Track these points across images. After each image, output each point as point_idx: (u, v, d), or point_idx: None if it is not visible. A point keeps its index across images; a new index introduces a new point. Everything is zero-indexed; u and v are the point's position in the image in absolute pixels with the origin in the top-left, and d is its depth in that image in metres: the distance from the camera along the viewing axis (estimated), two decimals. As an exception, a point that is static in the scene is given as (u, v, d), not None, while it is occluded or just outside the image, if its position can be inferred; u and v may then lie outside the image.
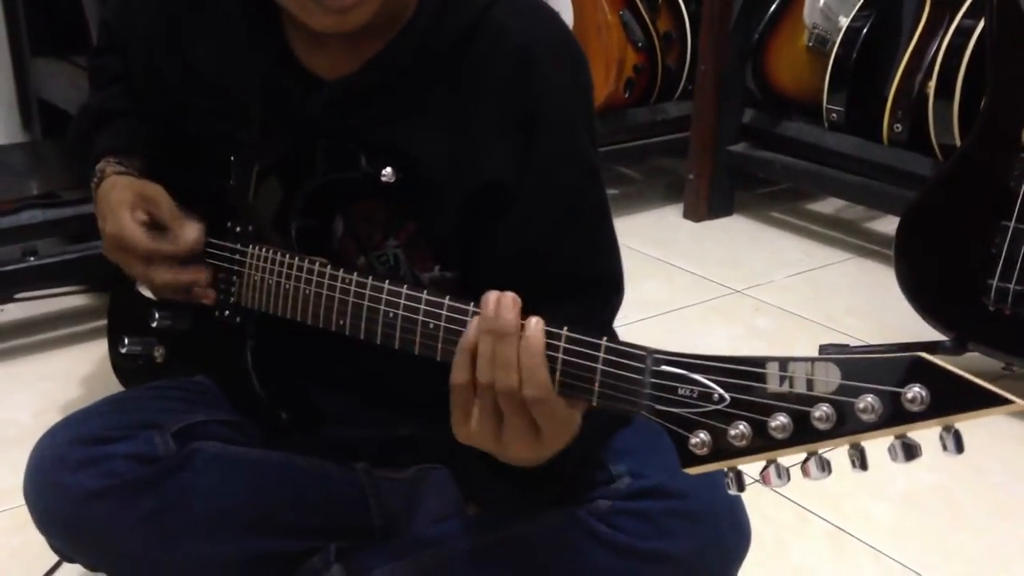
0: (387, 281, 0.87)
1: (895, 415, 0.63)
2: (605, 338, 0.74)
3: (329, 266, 0.92)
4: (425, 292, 0.84)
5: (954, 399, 0.60)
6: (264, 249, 0.97)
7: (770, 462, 0.69)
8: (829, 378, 0.65)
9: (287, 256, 0.95)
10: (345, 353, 0.94)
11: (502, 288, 0.79)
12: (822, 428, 0.65)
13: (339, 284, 0.90)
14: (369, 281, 0.89)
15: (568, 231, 0.95)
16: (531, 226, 0.94)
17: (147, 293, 1.07)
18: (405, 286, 0.86)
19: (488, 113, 0.93)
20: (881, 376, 0.63)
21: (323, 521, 1.01)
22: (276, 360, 1.02)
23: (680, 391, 0.70)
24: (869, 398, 0.64)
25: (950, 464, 1.39)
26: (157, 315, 1.08)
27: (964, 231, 1.56)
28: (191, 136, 1.05)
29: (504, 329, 0.73)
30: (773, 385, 0.67)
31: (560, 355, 0.75)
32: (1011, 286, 1.50)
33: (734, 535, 0.94)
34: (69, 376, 1.67)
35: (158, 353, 1.12)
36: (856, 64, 2.15)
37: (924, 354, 0.62)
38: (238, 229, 1.01)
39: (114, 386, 1.19)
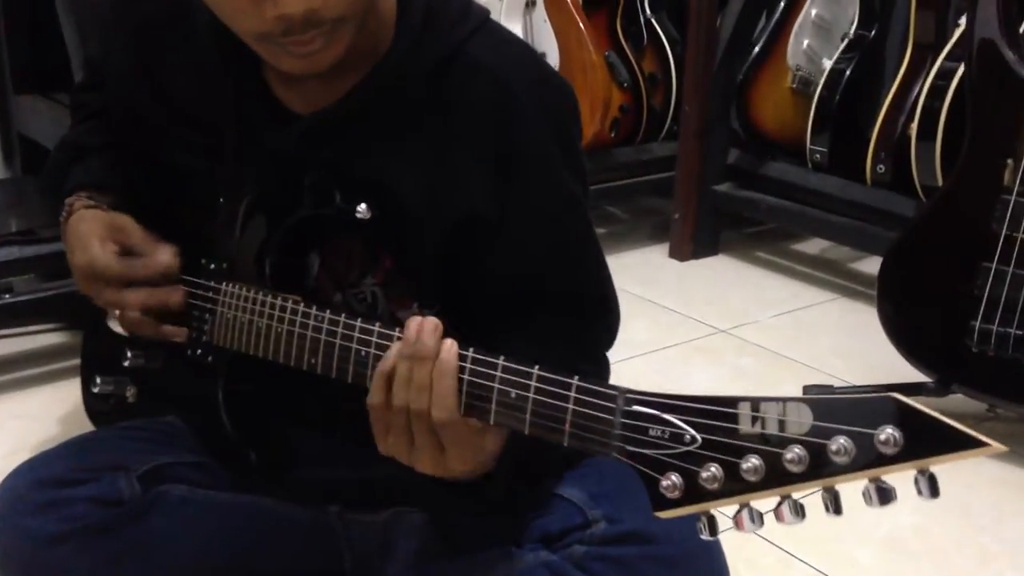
0: (359, 319, 0.86)
1: (868, 458, 0.62)
2: (576, 377, 0.73)
3: (302, 303, 0.91)
4: (398, 330, 0.83)
5: (928, 441, 0.59)
6: (238, 287, 0.96)
7: (743, 505, 0.67)
8: (801, 419, 0.64)
9: (260, 293, 0.94)
10: (319, 392, 0.93)
11: (490, 324, 0.82)
12: (794, 471, 0.64)
13: (311, 322, 0.89)
14: (341, 319, 0.88)
15: (553, 262, 0.95)
16: (514, 259, 0.94)
17: (118, 329, 1.04)
18: (378, 324, 0.85)
19: (466, 147, 0.92)
20: (854, 417, 0.62)
21: (291, 565, 1.00)
22: (248, 399, 1.01)
23: (651, 431, 0.69)
24: (841, 440, 0.62)
25: (934, 507, 1.38)
26: (129, 353, 1.07)
27: (946, 272, 1.55)
28: (167, 172, 1.04)
29: (421, 353, 0.78)
30: (745, 426, 0.66)
31: (532, 395, 0.75)
32: (994, 328, 1.49)
33: (712, 580, 0.92)
34: (43, 415, 1.64)
35: (130, 393, 1.10)
36: (839, 105, 2.16)
37: (896, 395, 0.61)
38: (212, 266, 0.99)
39: (86, 425, 1.17)
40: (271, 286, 0.95)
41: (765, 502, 0.66)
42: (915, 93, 1.99)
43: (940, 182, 1.88)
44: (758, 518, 0.67)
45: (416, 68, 0.92)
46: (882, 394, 0.62)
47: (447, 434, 0.78)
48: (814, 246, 2.57)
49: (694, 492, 0.67)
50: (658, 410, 0.69)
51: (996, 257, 1.48)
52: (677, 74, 2.42)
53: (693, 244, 2.42)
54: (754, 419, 0.66)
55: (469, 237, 0.93)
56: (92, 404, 1.19)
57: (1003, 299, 1.48)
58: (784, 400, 0.65)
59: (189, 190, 1.02)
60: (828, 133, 2.17)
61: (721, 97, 2.34)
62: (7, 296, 1.64)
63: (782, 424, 0.65)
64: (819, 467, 0.63)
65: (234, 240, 0.98)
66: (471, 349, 0.78)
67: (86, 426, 1.17)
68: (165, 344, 1.01)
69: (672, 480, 0.68)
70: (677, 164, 2.41)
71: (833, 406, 0.63)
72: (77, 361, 1.15)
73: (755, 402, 0.66)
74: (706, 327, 2.05)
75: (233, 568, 0.96)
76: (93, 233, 0.98)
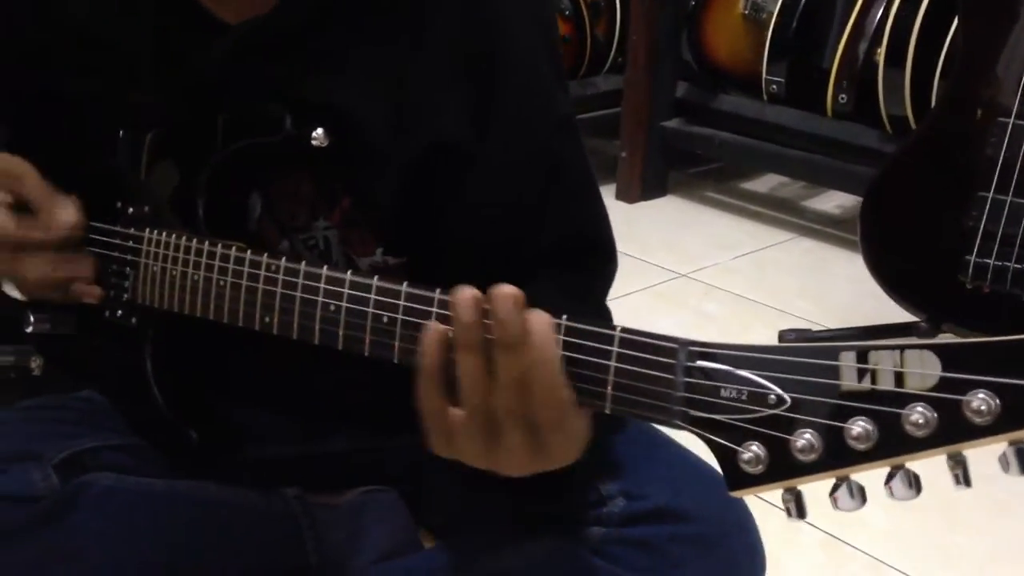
0: (325, 267, 0.72)
1: (1014, 415, 0.49)
2: (619, 327, 0.59)
3: (249, 251, 0.77)
4: (376, 278, 0.69)
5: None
6: (164, 234, 0.82)
7: (841, 480, 0.54)
8: (925, 370, 0.51)
9: (194, 241, 0.80)
10: (264, 354, 0.81)
11: (463, 274, 0.64)
12: (918, 435, 0.51)
13: (262, 272, 0.75)
14: (302, 268, 0.74)
15: (544, 196, 0.82)
16: (499, 195, 0.81)
17: (15, 293, 0.91)
18: (349, 272, 0.71)
19: (434, 57, 0.79)
20: (993, 366, 0.50)
21: (248, 563, 0.86)
22: (181, 368, 0.87)
23: (724, 392, 0.55)
24: (982, 394, 0.49)
25: (941, 460, 1.29)
26: (32, 318, 0.92)
27: (935, 206, 1.47)
28: (60, 103, 0.89)
29: (506, 338, 0.58)
30: (849, 381, 0.53)
31: (560, 352, 0.59)
32: (991, 262, 1.40)
33: (749, 560, 0.81)
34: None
35: (35, 364, 0.95)
36: (796, 32, 2.06)
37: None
38: (130, 211, 0.85)
39: None
40: (206, 232, 0.81)
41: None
42: (879, 17, 1.90)
43: (909, 111, 1.79)
44: (859, 494, 0.55)
45: None
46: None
47: (553, 431, 0.60)
48: (764, 184, 2.51)
49: (783, 465, 0.54)
50: (731, 365, 0.55)
51: (993, 186, 1.38)
52: (622, 1, 2.28)
53: (642, 185, 2.32)
54: (861, 372, 0.53)
55: (443, 167, 0.81)
56: None
57: (1000, 231, 1.39)
58: (902, 347, 0.52)
59: (94, 124, 0.88)
60: (785, 62, 2.07)
61: (670, 26, 2.21)
62: None
63: (900, 378, 0.51)
64: (951, 428, 0.50)
65: (155, 180, 0.85)
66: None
67: None
68: (76, 306, 0.87)
69: (754, 451, 0.54)
70: (623, 99, 2.30)
71: (966, 353, 0.50)
72: None
73: (861, 351, 0.53)
74: (665, 271, 1.95)
75: (179, 569, 0.83)
76: None
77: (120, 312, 0.85)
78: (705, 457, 0.81)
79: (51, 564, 0.79)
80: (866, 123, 1.94)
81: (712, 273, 1.95)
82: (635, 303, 1.82)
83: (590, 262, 0.86)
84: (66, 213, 0.84)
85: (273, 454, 0.91)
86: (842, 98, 1.96)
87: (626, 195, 2.33)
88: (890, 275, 1.51)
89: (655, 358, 0.57)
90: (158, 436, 0.87)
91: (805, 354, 0.54)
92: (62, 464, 0.83)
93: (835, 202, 2.33)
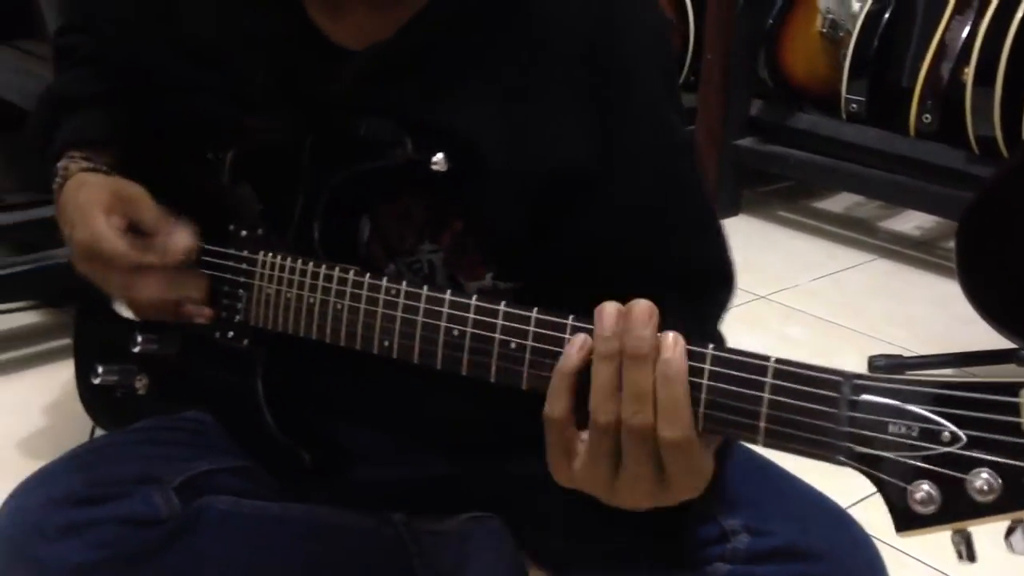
0: (448, 292, 0.71)
1: None
2: (773, 357, 0.57)
3: (368, 275, 0.76)
4: (503, 304, 0.67)
5: None
6: (279, 256, 0.82)
7: (1017, 523, 0.51)
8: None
9: (311, 264, 0.79)
10: (367, 375, 0.80)
11: (576, 298, 0.65)
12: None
13: (382, 296, 0.75)
14: (424, 291, 0.73)
15: (663, 221, 0.81)
16: (617, 218, 0.80)
17: (125, 312, 0.91)
18: (475, 297, 0.70)
19: (555, 81, 0.78)
20: None
21: None
22: (290, 390, 0.86)
23: (892, 428, 0.53)
24: None
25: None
26: (140, 338, 0.91)
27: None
28: (179, 124, 0.90)
29: (637, 350, 0.58)
30: (1031, 419, 0.50)
31: (705, 381, 0.58)
32: (1097, 286, 1.35)
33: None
34: (24, 407, 1.46)
35: (140, 383, 0.95)
36: (877, 51, 2.01)
37: None
38: (243, 233, 0.85)
39: (79, 418, 1.04)
40: (322, 254, 0.81)
41: None
42: (965, 36, 1.85)
43: (999, 132, 1.74)
44: (1036, 537, 0.52)
45: None
46: None
47: (677, 458, 0.59)
48: (837, 204, 2.45)
49: (958, 506, 0.52)
50: (899, 399, 0.53)
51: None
52: (696, 18, 2.26)
53: (715, 203, 2.27)
54: (1045, 410, 0.50)
55: (562, 191, 0.79)
56: (91, 397, 1.04)
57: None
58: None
59: (208, 145, 0.88)
60: (865, 81, 2.02)
61: (745, 44, 2.18)
62: (-23, 272, 1.44)
63: (1090, 416, 0.49)
64: None
65: (270, 202, 0.84)
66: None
67: (77, 417, 1.04)
68: (182, 326, 0.87)
69: (926, 491, 0.52)
70: (696, 118, 2.26)
71: None
72: (58, 343, 0.98)
73: (1045, 386, 0.50)
74: (744, 293, 1.90)
75: (292, 595, 0.80)
76: (96, 203, 0.84)
77: (231, 333, 0.85)
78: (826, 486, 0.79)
79: (174, 586, 0.80)
80: (951, 143, 1.89)
81: (791, 295, 1.91)
82: (715, 325, 1.79)
83: (707, 286, 0.84)
84: (182, 237, 0.84)
85: (376, 476, 0.90)
86: (926, 118, 1.91)
87: (699, 214, 2.30)
88: (990, 302, 1.46)
89: (816, 391, 0.55)
90: (269, 458, 0.86)
91: (981, 390, 0.52)
92: (182, 487, 0.82)
93: (913, 223, 2.28)
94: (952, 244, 2.16)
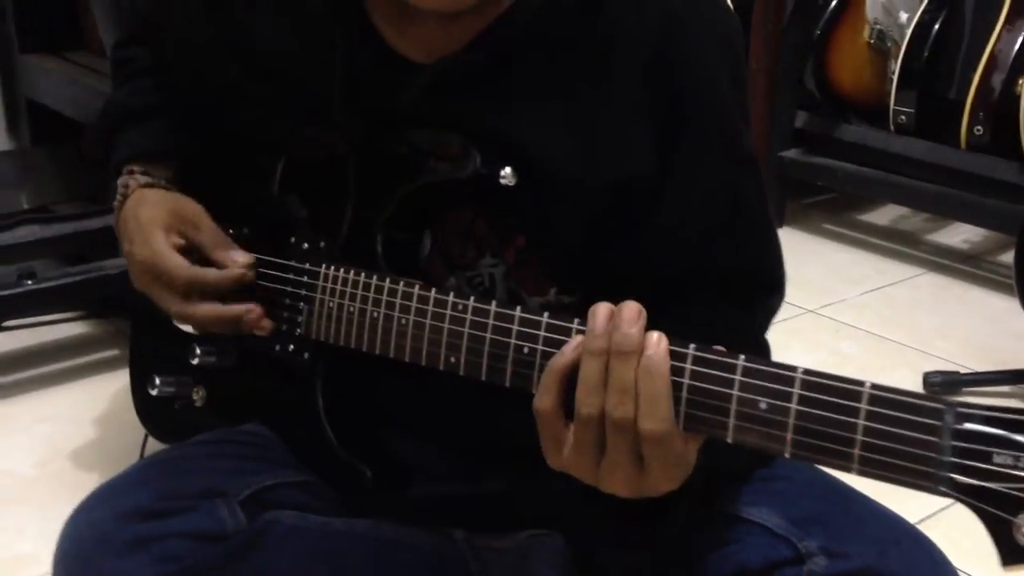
0: (518, 308, 0.70)
1: None
2: (868, 383, 0.55)
3: (434, 290, 0.75)
4: (576, 321, 0.66)
5: None
6: (342, 270, 0.81)
7: None
8: None
9: (374, 278, 0.78)
10: (426, 390, 0.79)
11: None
12: None
13: (448, 312, 0.73)
14: (492, 308, 0.72)
15: (723, 232, 0.80)
16: (678, 228, 0.79)
17: (184, 326, 0.90)
18: (546, 314, 0.69)
19: (622, 94, 0.78)
20: None
21: None
22: (351, 404, 0.85)
23: (997, 459, 0.51)
24: None
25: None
26: (198, 350, 0.92)
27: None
28: (238, 137, 0.90)
29: (622, 346, 0.62)
30: None
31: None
32: None
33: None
34: (72, 417, 1.46)
35: (197, 395, 0.96)
36: (928, 62, 1.99)
37: None
38: (305, 245, 0.85)
39: (131, 428, 1.05)
40: (386, 268, 0.80)
41: None
42: (1017, 47, 1.82)
43: (1053, 143, 1.71)
44: None
45: (562, 2, 0.78)
46: None
47: (655, 449, 0.62)
48: (882, 216, 2.41)
49: (1066, 540, 0.50)
50: (1005, 429, 0.51)
51: None
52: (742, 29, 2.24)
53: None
54: None
55: (625, 203, 0.79)
56: (149, 408, 1.05)
57: None
58: None
59: (270, 156, 0.88)
60: (915, 93, 1.99)
61: (792, 55, 2.15)
62: (30, 282, 1.44)
63: None
64: None
65: (332, 215, 0.83)
66: (692, 346, 0.61)
67: (130, 428, 1.06)
68: (240, 338, 0.87)
69: (1034, 524, 0.50)
70: (741, 129, 2.23)
71: None
72: (107, 354, 0.98)
73: None
74: (792, 307, 1.88)
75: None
76: (156, 222, 0.86)
77: (291, 347, 0.85)
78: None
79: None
80: (1002, 155, 1.86)
81: (840, 309, 1.88)
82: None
83: (759, 294, 0.84)
84: (240, 259, 0.85)
85: (436, 492, 0.88)
86: (978, 130, 1.88)
87: (743, 226, 2.27)
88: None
89: (917, 419, 0.53)
90: (330, 472, 0.85)
91: (1089, 418, 0.50)
92: (247, 501, 0.81)
93: (961, 236, 2.24)
94: (1002, 258, 2.15)
